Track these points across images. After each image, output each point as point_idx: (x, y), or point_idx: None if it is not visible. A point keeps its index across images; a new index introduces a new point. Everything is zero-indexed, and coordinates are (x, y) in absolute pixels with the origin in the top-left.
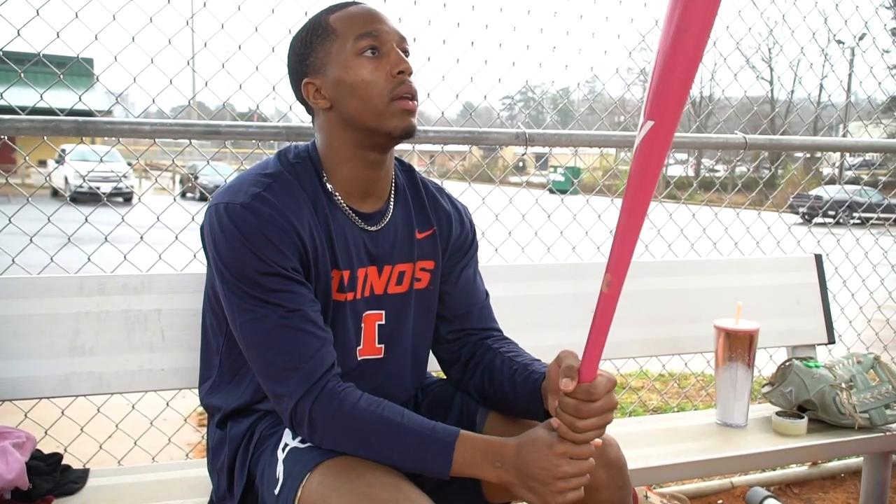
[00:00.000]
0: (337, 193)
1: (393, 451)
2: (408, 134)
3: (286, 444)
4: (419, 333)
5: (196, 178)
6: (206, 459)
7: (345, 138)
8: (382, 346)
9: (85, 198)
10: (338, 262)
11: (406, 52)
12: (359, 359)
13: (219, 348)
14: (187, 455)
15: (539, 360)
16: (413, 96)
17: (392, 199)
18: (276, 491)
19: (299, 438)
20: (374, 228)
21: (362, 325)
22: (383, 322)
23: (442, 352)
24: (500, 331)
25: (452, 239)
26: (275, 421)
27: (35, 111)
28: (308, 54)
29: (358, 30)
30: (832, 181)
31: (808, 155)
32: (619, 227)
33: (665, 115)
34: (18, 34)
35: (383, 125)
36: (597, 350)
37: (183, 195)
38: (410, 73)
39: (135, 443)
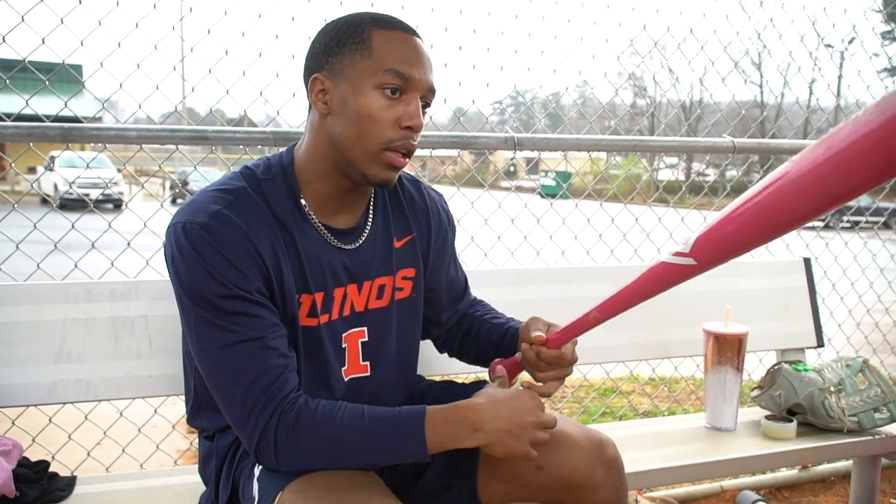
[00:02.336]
0: (311, 211)
1: (366, 456)
2: (384, 186)
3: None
4: (404, 343)
5: (186, 184)
6: (194, 466)
7: (326, 153)
8: (368, 363)
9: (75, 205)
10: (308, 286)
11: (428, 104)
12: (346, 380)
13: (194, 372)
14: (175, 462)
15: (513, 319)
16: (409, 153)
17: (371, 210)
18: None
19: None
20: (350, 247)
21: (344, 344)
22: (366, 339)
23: (437, 333)
24: (475, 298)
25: (433, 240)
26: None
27: (23, 118)
28: (333, 51)
29: (392, 63)
30: None
31: None
32: (623, 293)
33: (709, 262)
34: (3, 40)
35: (364, 167)
36: (571, 336)
37: (173, 201)
38: (418, 131)
39: (123, 450)
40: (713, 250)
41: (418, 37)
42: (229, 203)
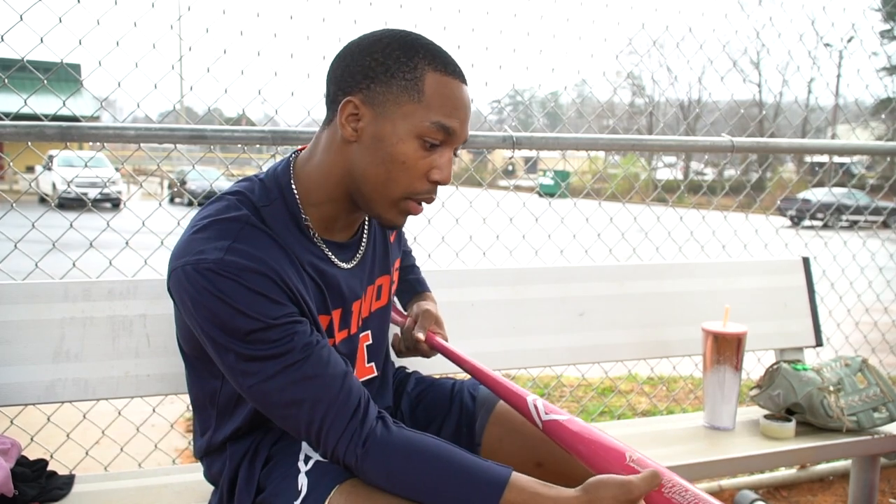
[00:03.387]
0: (315, 232)
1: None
2: (392, 228)
3: (308, 457)
4: (388, 331)
5: (184, 183)
6: (192, 465)
7: (341, 179)
8: (373, 363)
9: (73, 204)
10: (327, 307)
11: (455, 153)
12: None
13: (198, 389)
14: (174, 461)
15: (418, 279)
16: (429, 203)
17: (367, 218)
18: (298, 502)
19: None
20: (354, 261)
21: (357, 354)
22: (370, 341)
23: None
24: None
25: None
26: (281, 434)
27: (21, 117)
28: (379, 79)
29: (441, 116)
30: (820, 183)
31: (799, 158)
32: (487, 373)
33: (546, 432)
34: (2, 40)
35: (381, 209)
36: (444, 352)
37: (171, 200)
38: (445, 185)
39: (121, 449)
40: (552, 433)
41: (467, 84)
42: (238, 233)
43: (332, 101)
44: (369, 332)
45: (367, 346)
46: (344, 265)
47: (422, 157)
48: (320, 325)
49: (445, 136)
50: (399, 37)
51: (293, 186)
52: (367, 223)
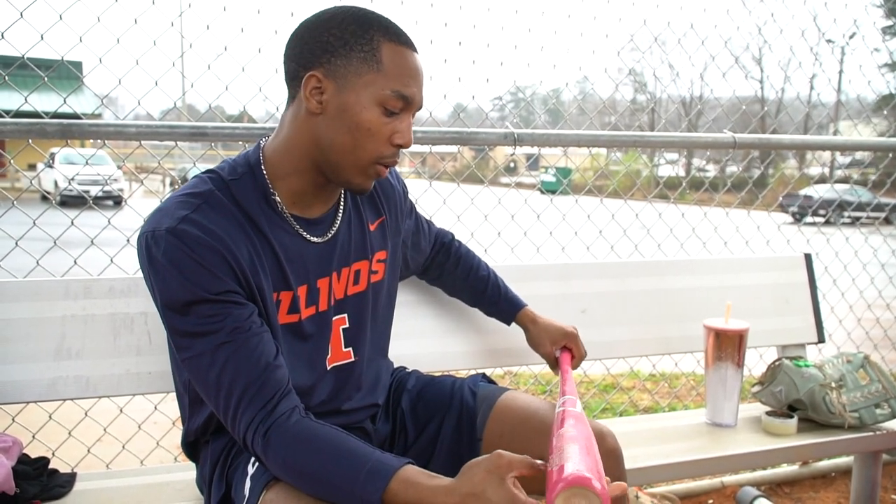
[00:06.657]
0: (283, 206)
1: (324, 494)
2: (361, 193)
3: (255, 460)
4: (381, 326)
5: (186, 180)
6: (193, 463)
7: (307, 151)
8: (350, 349)
9: (75, 201)
10: (289, 283)
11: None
12: (328, 367)
13: (180, 380)
14: (176, 458)
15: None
16: (393, 166)
17: (342, 198)
18: None
19: None
20: (326, 237)
21: (331, 334)
22: (347, 325)
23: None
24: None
25: (400, 217)
26: None
27: (22, 114)
28: (338, 53)
29: (400, 85)
30: (822, 180)
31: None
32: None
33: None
34: (2, 37)
35: (350, 175)
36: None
37: None
38: (408, 148)
39: (123, 446)
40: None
41: (418, 53)
42: (197, 206)
43: (293, 77)
44: (346, 315)
45: (344, 330)
46: (314, 239)
47: (384, 123)
48: (271, 306)
49: (404, 104)
50: (353, 11)
51: (262, 164)
52: (342, 204)
